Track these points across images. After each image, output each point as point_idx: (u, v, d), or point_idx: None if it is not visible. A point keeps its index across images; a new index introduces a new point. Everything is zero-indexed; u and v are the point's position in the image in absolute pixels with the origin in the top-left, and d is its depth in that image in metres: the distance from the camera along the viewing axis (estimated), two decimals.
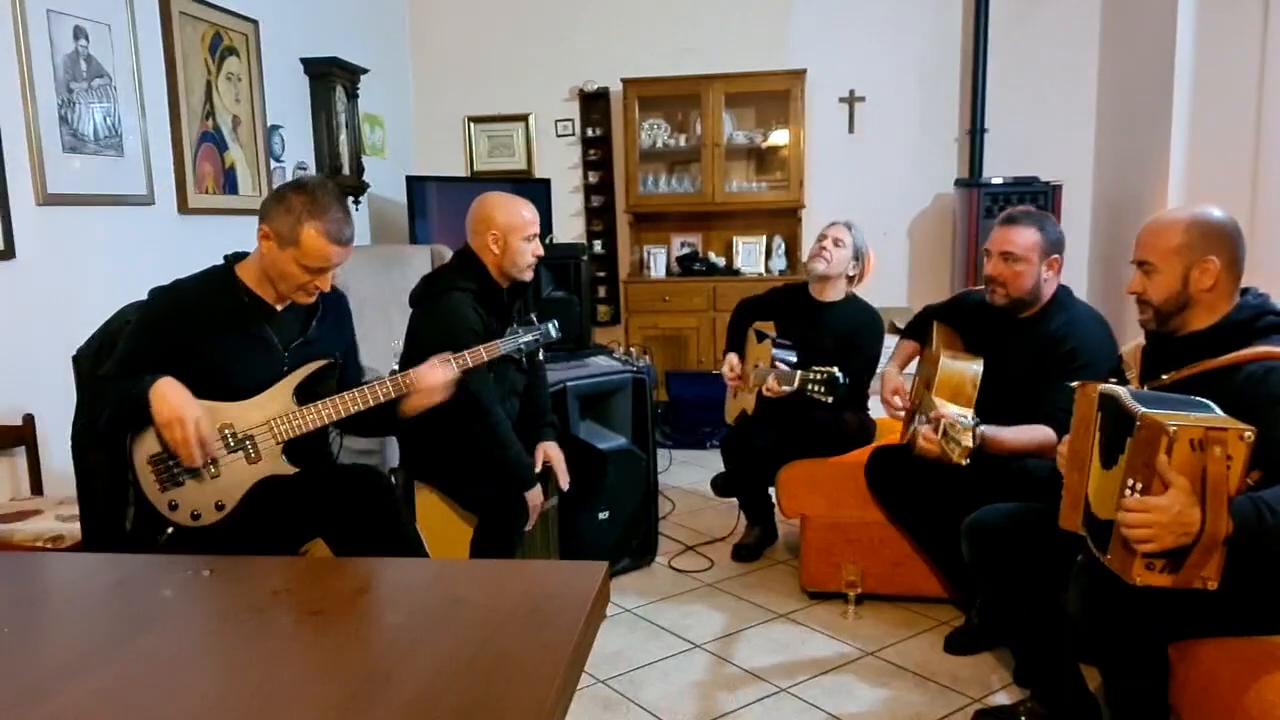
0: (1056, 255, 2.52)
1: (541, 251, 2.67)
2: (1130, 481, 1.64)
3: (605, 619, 2.83)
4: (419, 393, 2.14)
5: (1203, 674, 1.73)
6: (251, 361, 2.04)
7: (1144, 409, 1.64)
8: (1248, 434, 1.57)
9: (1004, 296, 2.55)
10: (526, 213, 2.63)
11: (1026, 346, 2.52)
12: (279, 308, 2.10)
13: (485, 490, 2.57)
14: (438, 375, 2.16)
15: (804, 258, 3.87)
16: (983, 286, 2.62)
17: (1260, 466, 1.66)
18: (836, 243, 3.17)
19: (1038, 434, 2.39)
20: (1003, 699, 2.36)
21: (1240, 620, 1.78)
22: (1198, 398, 1.72)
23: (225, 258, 2.12)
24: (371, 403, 2.08)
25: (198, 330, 2.00)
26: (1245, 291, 1.92)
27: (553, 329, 2.40)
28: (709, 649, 2.69)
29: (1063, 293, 2.58)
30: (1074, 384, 1.92)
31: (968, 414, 2.33)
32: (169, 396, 1.91)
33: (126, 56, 3.19)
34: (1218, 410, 1.67)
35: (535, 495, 2.59)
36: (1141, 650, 1.80)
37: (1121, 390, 1.76)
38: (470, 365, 2.24)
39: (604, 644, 2.71)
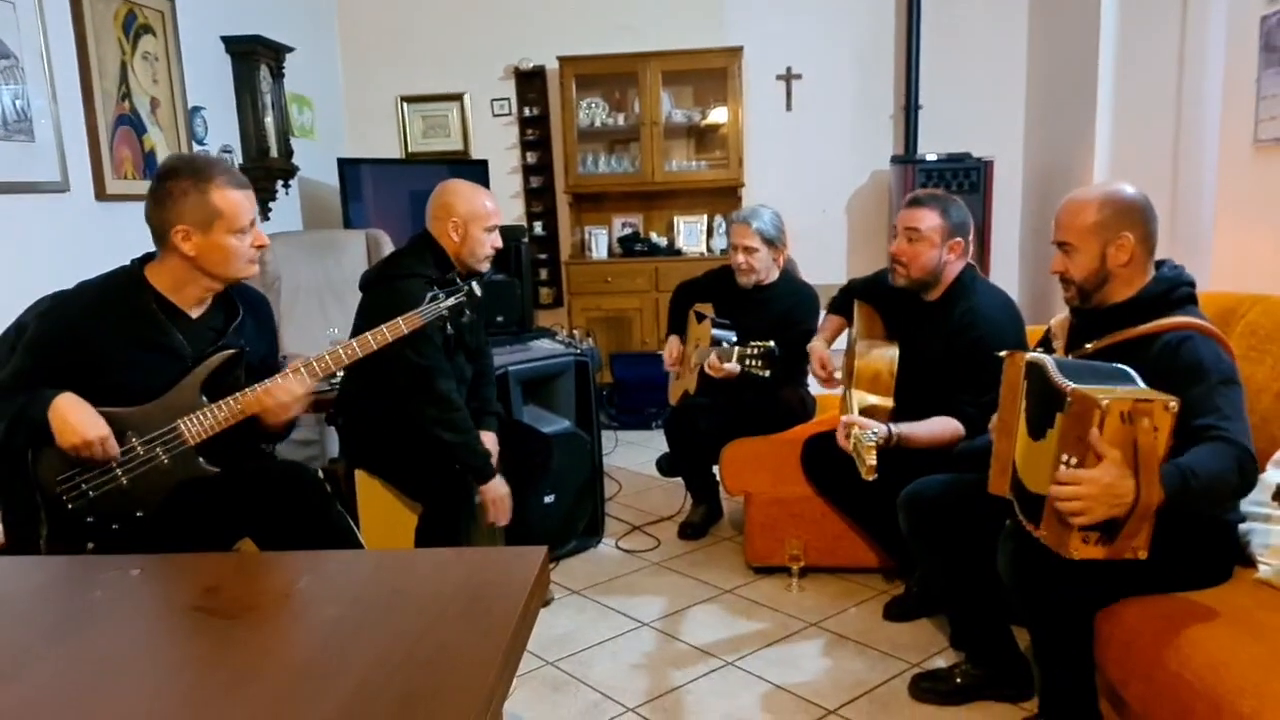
0: (959, 239, 2.57)
1: (500, 244, 2.64)
2: (1065, 456, 1.67)
3: (554, 601, 2.86)
4: (269, 410, 1.94)
5: (1126, 631, 1.81)
6: (156, 373, 1.91)
7: (1073, 384, 1.68)
8: (1172, 404, 1.62)
9: (904, 277, 2.61)
10: (489, 203, 2.60)
11: (935, 331, 2.58)
12: (195, 314, 1.98)
13: (430, 478, 2.53)
14: (292, 388, 1.95)
15: None
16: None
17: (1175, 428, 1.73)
18: (748, 251, 3.18)
19: (947, 429, 2.47)
20: (940, 662, 2.42)
21: (1161, 580, 1.85)
22: (1118, 365, 1.79)
23: (134, 261, 1.99)
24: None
25: (98, 344, 1.88)
26: (1161, 264, 1.99)
27: (476, 287, 2.28)
28: (657, 627, 2.71)
29: (968, 276, 2.62)
30: (1002, 353, 1.97)
31: (870, 400, 2.37)
32: (70, 418, 1.81)
33: (34, 36, 3.04)
34: (1138, 378, 1.73)
35: (494, 488, 2.55)
36: (1068, 611, 1.87)
37: (1047, 359, 1.81)
38: (332, 369, 2.03)
39: (552, 626, 2.71)
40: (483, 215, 2.57)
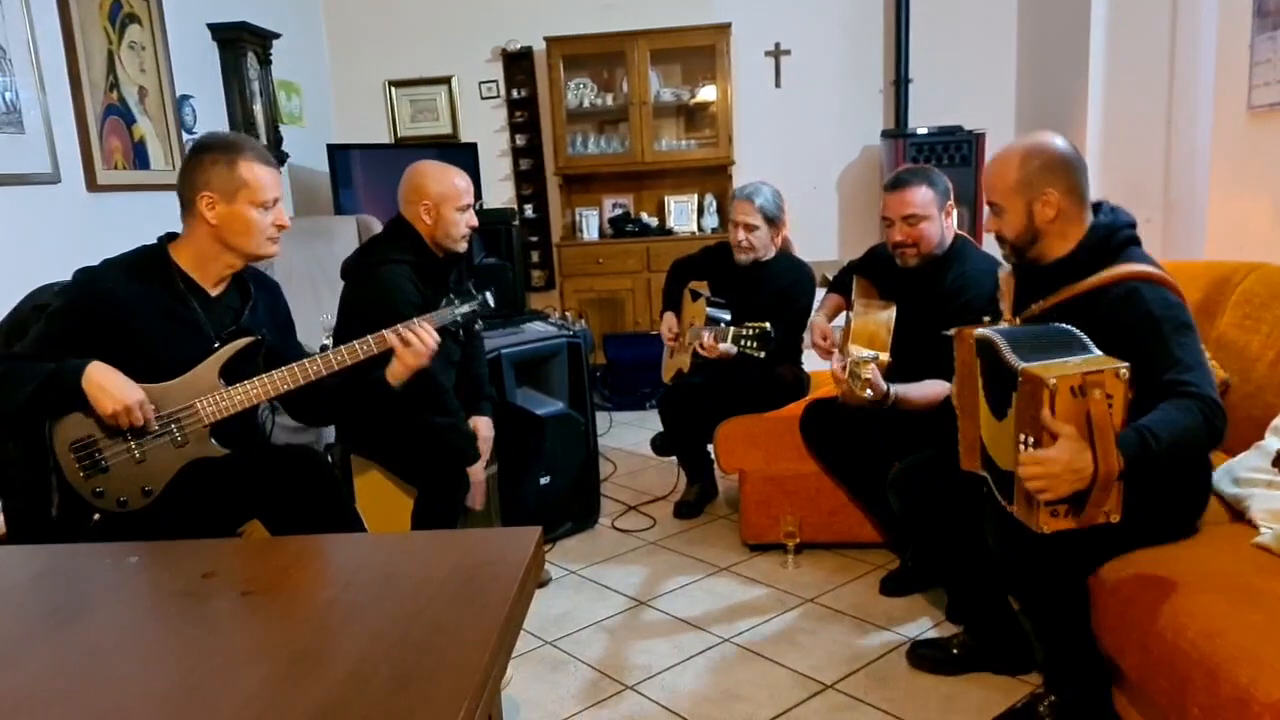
0: (949, 202, 2.61)
1: (476, 222, 2.62)
2: (1022, 436, 1.68)
3: (551, 581, 2.87)
4: (406, 350, 2.10)
5: (1121, 600, 1.81)
6: (180, 348, 1.96)
7: (1023, 363, 1.67)
8: (1123, 370, 1.62)
9: (915, 256, 2.61)
10: (460, 182, 2.57)
11: (928, 297, 2.59)
12: (214, 292, 2.04)
13: (425, 462, 2.54)
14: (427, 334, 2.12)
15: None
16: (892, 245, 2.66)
17: (1134, 385, 1.73)
18: (749, 228, 3.16)
19: (938, 389, 2.48)
20: (936, 636, 2.44)
21: (1145, 534, 1.85)
22: (1067, 327, 1.77)
23: (159, 238, 2.04)
24: (302, 380, 2.01)
25: (125, 315, 1.92)
26: (1098, 208, 1.95)
27: (490, 298, 2.32)
28: (654, 605, 2.73)
29: (961, 242, 2.66)
30: (950, 331, 1.95)
31: (867, 353, 2.45)
32: (106, 384, 1.85)
33: (20, 27, 3.02)
34: (1090, 344, 1.72)
35: (477, 471, 2.57)
36: (1059, 583, 1.87)
37: (996, 336, 1.78)
38: (349, 364, 2.10)
39: (550, 606, 2.73)
40: (454, 195, 2.54)
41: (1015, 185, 1.91)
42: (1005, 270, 2.12)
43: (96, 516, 1.92)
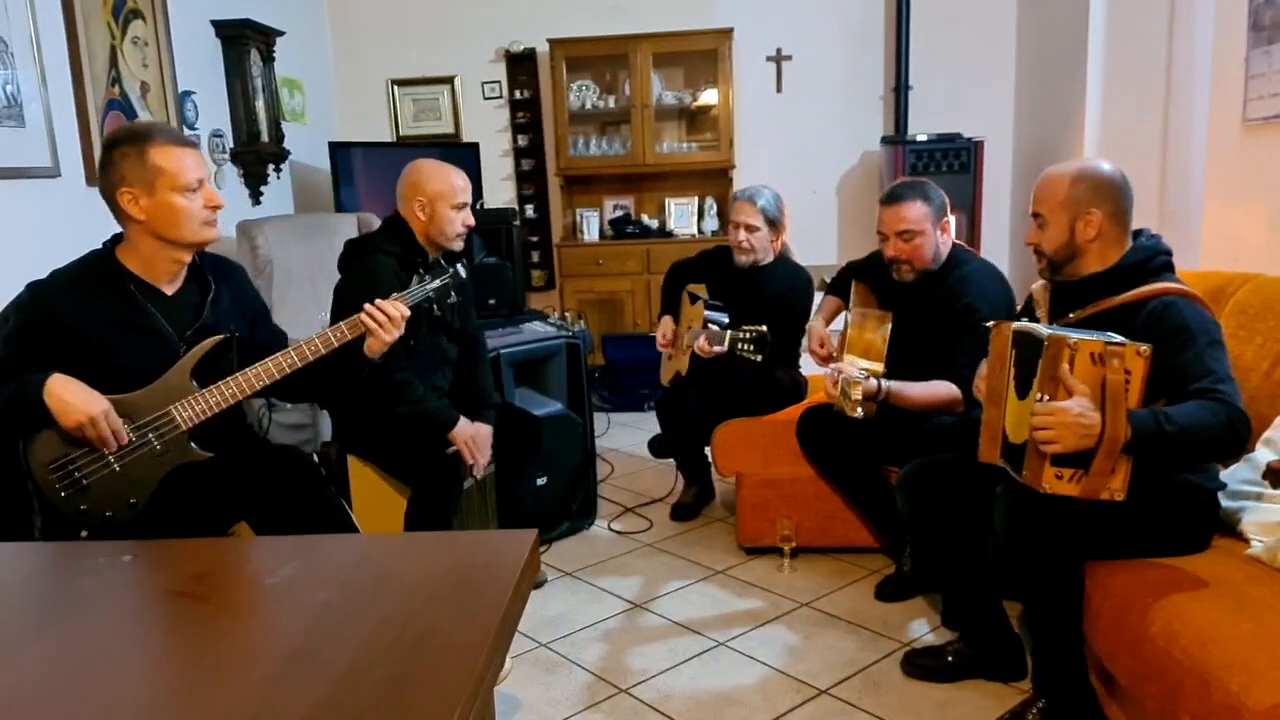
0: (946, 217, 2.62)
1: (472, 221, 2.63)
2: (1039, 395, 1.76)
3: (546, 583, 2.87)
4: (376, 326, 2.05)
5: (1115, 605, 1.82)
6: (143, 357, 1.90)
7: (1050, 331, 1.77)
8: (1144, 349, 1.70)
9: (910, 271, 2.63)
10: (458, 180, 2.58)
11: (927, 303, 2.61)
12: (170, 291, 1.97)
13: (420, 462, 2.53)
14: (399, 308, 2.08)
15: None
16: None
17: (1164, 394, 1.77)
18: (750, 229, 3.18)
19: (941, 390, 2.50)
20: (931, 641, 2.44)
21: (1148, 541, 1.88)
22: (1103, 331, 1.83)
23: (105, 242, 1.97)
24: (277, 375, 1.95)
25: (79, 331, 1.86)
26: (1139, 234, 2.03)
27: (461, 270, 2.29)
28: (649, 608, 2.74)
29: (958, 250, 2.68)
30: (989, 324, 2.00)
31: (862, 364, 2.46)
32: (67, 397, 1.80)
33: (23, 21, 3.02)
34: (1116, 336, 1.78)
35: (462, 430, 2.54)
36: (1059, 567, 1.89)
37: (1034, 325, 1.87)
38: (322, 351, 2.04)
39: (545, 607, 2.73)
40: (449, 193, 2.55)
41: (1063, 201, 1.99)
42: (1042, 282, 2.18)
43: (84, 534, 1.89)
